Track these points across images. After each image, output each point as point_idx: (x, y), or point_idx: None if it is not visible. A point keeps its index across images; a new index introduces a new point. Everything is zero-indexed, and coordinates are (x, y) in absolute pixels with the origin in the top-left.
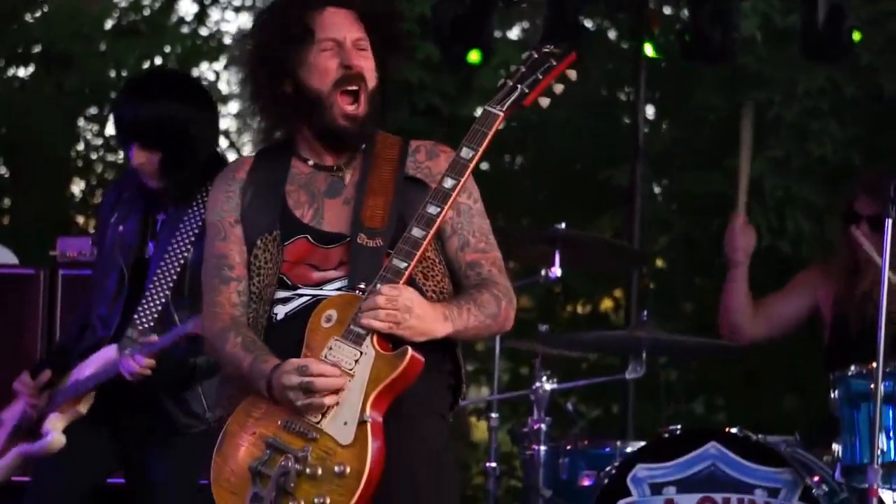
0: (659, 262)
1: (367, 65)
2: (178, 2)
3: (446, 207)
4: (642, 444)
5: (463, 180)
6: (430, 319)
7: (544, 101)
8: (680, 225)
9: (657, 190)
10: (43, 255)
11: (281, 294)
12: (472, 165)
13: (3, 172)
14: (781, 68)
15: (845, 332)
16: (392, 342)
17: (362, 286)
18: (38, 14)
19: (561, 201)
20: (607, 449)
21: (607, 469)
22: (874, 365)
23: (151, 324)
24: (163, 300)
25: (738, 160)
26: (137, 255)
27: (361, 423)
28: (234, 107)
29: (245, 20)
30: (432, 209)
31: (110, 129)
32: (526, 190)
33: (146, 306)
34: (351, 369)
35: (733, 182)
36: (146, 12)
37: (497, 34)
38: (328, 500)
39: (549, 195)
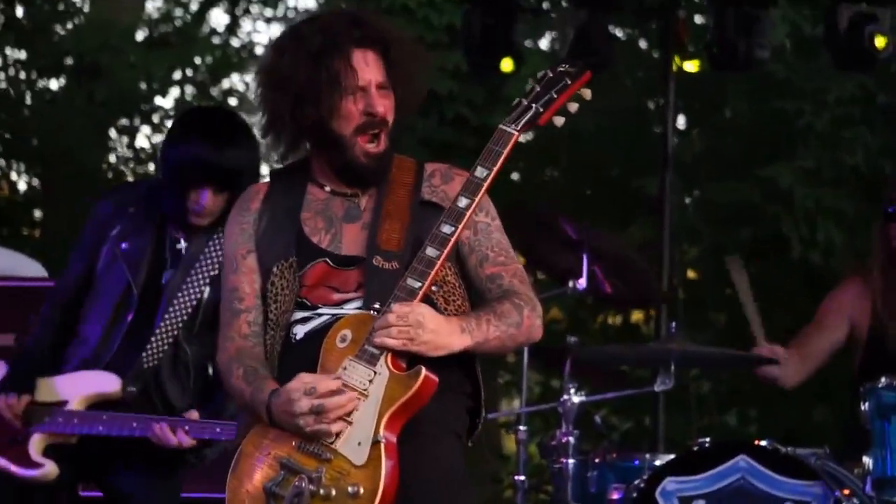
0: (690, 273)
1: (388, 104)
2: (209, 12)
3: (460, 227)
4: (671, 457)
5: (477, 199)
6: (445, 333)
7: (559, 120)
8: (710, 235)
9: (687, 200)
10: None
11: (300, 315)
12: (486, 185)
13: (34, 184)
14: (811, 77)
15: (881, 345)
16: (407, 362)
17: (377, 306)
18: (69, 26)
19: (592, 211)
20: (636, 462)
21: (636, 482)
22: None
23: (157, 361)
24: (173, 336)
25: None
26: (150, 280)
27: (375, 443)
28: None
29: (276, 31)
30: (446, 228)
31: (140, 141)
32: (557, 200)
33: (157, 343)
34: (365, 389)
35: (764, 193)
36: (178, 23)
37: (528, 44)
38: None
39: (581, 205)
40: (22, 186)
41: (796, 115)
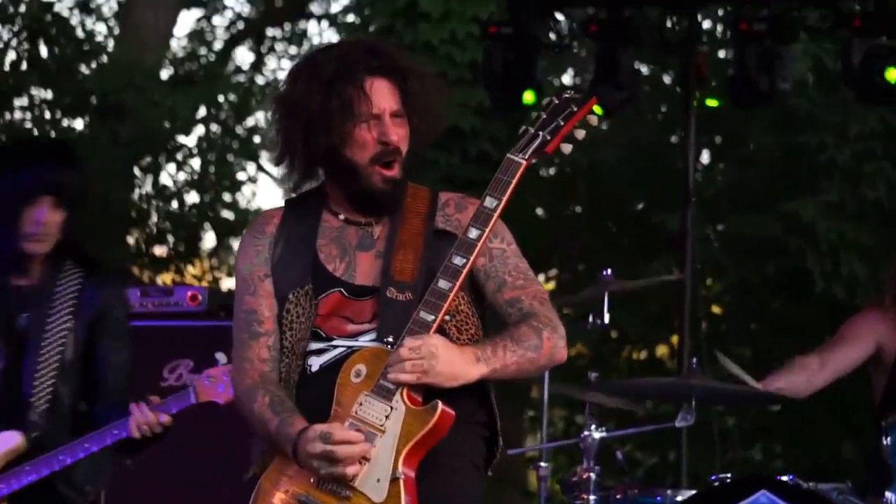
0: (715, 308)
1: (402, 133)
2: (234, 51)
3: (472, 258)
4: (693, 492)
5: (488, 230)
6: (459, 363)
7: (566, 147)
8: (733, 270)
9: (711, 234)
10: None
11: (315, 346)
12: (496, 215)
13: None
14: (833, 111)
15: None
16: (423, 395)
17: (390, 339)
18: (93, 65)
19: (614, 246)
20: (658, 498)
21: None
22: None
23: (47, 405)
24: (52, 381)
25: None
26: (7, 328)
27: (394, 479)
28: None
29: None
30: (458, 260)
31: (164, 179)
32: (582, 235)
33: (40, 387)
34: (382, 425)
35: (787, 226)
36: (202, 61)
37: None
38: None
39: (603, 240)
40: None
41: (819, 149)
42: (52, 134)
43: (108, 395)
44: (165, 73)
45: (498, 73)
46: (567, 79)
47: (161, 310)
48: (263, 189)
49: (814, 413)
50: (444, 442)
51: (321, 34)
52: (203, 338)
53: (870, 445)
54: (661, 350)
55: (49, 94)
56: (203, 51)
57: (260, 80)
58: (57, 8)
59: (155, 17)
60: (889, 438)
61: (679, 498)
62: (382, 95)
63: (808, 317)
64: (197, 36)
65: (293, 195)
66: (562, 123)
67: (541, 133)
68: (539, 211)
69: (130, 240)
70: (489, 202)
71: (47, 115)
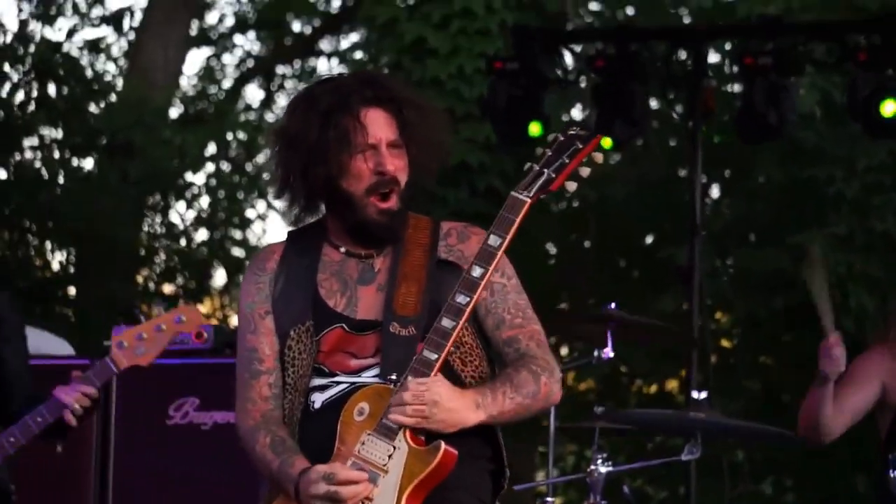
0: (724, 342)
1: (400, 164)
2: (244, 88)
3: (475, 297)
4: None
5: (491, 269)
6: (460, 410)
7: (571, 185)
8: (742, 303)
9: (720, 268)
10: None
11: (318, 381)
12: (500, 253)
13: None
14: (841, 144)
15: None
16: (426, 434)
17: (394, 377)
18: (102, 104)
19: (623, 280)
20: None
21: None
22: None
23: None
24: None
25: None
26: None
27: None
28: None
29: None
30: (461, 299)
31: (174, 218)
32: (590, 269)
33: None
34: (384, 465)
35: (795, 259)
36: (213, 99)
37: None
38: None
39: (613, 273)
40: (55, 266)
41: (827, 182)
42: (62, 174)
43: (26, 392)
44: (175, 112)
45: (502, 108)
46: (576, 113)
47: (167, 347)
48: (273, 226)
49: (825, 446)
50: (451, 477)
51: (331, 71)
52: (209, 375)
53: (877, 478)
54: (671, 384)
55: (59, 134)
56: (213, 89)
57: (270, 118)
58: (66, 48)
59: (164, 57)
60: (895, 471)
61: None
62: (378, 125)
63: (818, 350)
64: (207, 74)
65: (295, 227)
66: (567, 161)
67: (545, 171)
68: (548, 245)
69: (139, 278)
70: (493, 240)
71: (56, 154)
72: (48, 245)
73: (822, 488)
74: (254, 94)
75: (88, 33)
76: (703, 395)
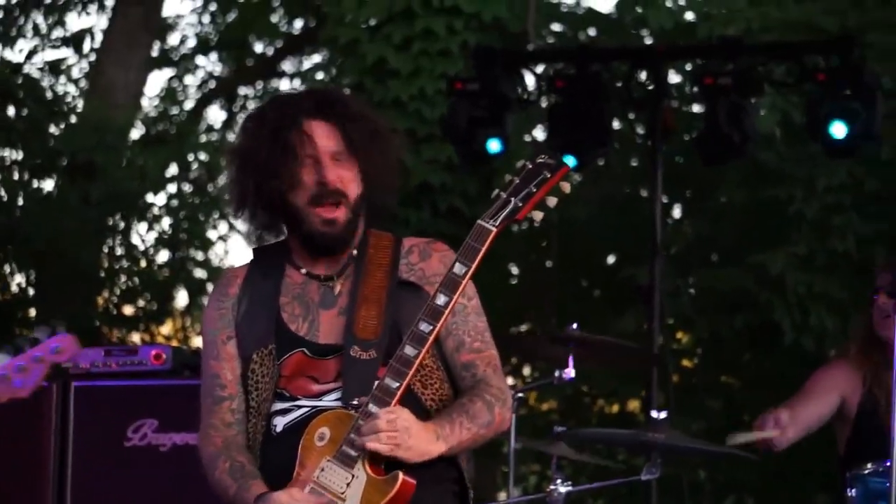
0: (686, 362)
1: (346, 175)
2: (206, 109)
3: (439, 325)
4: None
5: (455, 296)
6: (424, 440)
7: (538, 215)
8: (704, 323)
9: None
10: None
11: (279, 406)
12: (464, 282)
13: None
14: (801, 164)
15: (870, 426)
16: (384, 464)
17: (355, 402)
18: (62, 126)
19: (585, 300)
20: None
21: None
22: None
23: None
24: None
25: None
26: None
27: None
28: None
29: None
30: (424, 327)
31: (135, 239)
32: (553, 289)
33: None
34: (342, 493)
35: (756, 279)
36: (175, 120)
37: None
38: None
39: (575, 293)
40: (14, 288)
41: (788, 202)
42: (22, 195)
43: None
44: (137, 133)
45: (463, 129)
46: (538, 133)
47: (125, 369)
48: (235, 247)
49: (786, 464)
50: (415, 502)
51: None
52: (168, 397)
53: (837, 497)
54: (633, 404)
55: (19, 155)
56: (175, 110)
57: (232, 139)
58: (26, 69)
59: (125, 78)
60: (854, 490)
61: None
62: (320, 136)
63: (779, 369)
64: (168, 95)
65: (258, 246)
66: (534, 190)
67: (512, 199)
68: (511, 265)
69: (100, 300)
70: (458, 268)
71: (16, 175)
72: (6, 268)
73: None
74: (216, 115)
75: (49, 55)
76: (663, 414)
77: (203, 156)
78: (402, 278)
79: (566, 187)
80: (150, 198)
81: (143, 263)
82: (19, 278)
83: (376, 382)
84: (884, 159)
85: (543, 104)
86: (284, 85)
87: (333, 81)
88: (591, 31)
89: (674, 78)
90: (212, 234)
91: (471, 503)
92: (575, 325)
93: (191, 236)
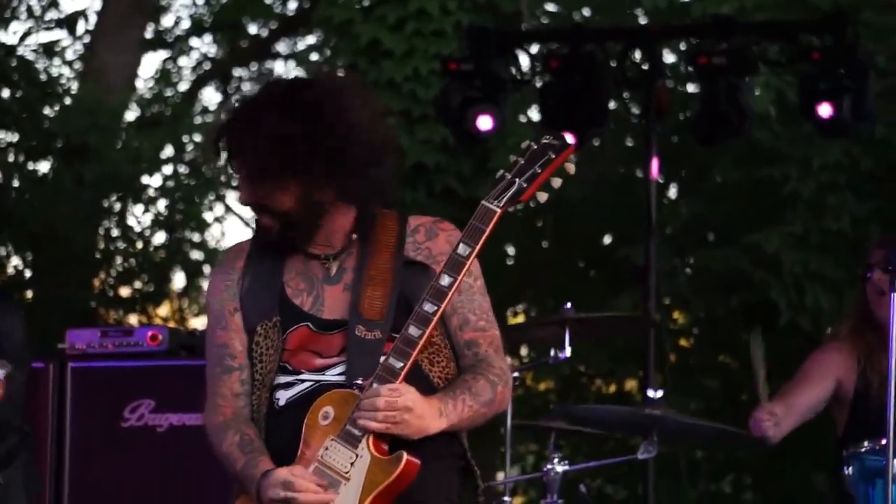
0: (683, 342)
1: (244, 189)
2: (201, 91)
3: (443, 305)
4: None
5: (460, 277)
6: (427, 417)
7: (542, 196)
8: (700, 302)
9: (678, 267)
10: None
11: (282, 379)
12: (469, 262)
13: (19, 265)
14: (796, 143)
15: (865, 405)
16: (388, 443)
17: (359, 381)
18: (56, 107)
19: (582, 280)
20: None
21: None
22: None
23: None
24: None
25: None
26: None
27: None
28: None
29: None
30: (429, 307)
31: (130, 221)
32: (549, 270)
33: None
34: (346, 472)
35: (752, 259)
36: (169, 102)
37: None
38: None
39: (571, 274)
40: (10, 270)
41: (783, 181)
42: (17, 177)
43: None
44: (132, 115)
45: (457, 109)
46: (533, 113)
47: (121, 350)
48: (231, 228)
49: (784, 445)
50: (420, 480)
51: (287, 73)
52: (164, 377)
53: (834, 476)
54: (630, 384)
55: (14, 138)
56: (169, 92)
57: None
58: (20, 51)
59: (119, 60)
60: (851, 469)
61: None
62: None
63: (776, 348)
64: (163, 77)
65: None
66: (539, 171)
67: (517, 180)
68: (508, 247)
69: (96, 281)
70: (462, 249)
71: (11, 158)
72: (2, 250)
73: (782, 487)
74: (210, 96)
75: (42, 36)
76: (660, 393)
77: (198, 137)
78: (408, 258)
79: (571, 168)
80: (145, 179)
81: (140, 245)
82: (15, 260)
83: (380, 361)
84: (878, 138)
85: (538, 84)
86: (279, 66)
87: (328, 62)
88: (585, 11)
89: (668, 57)
90: (208, 216)
91: (477, 479)
92: (569, 305)
93: (186, 218)
